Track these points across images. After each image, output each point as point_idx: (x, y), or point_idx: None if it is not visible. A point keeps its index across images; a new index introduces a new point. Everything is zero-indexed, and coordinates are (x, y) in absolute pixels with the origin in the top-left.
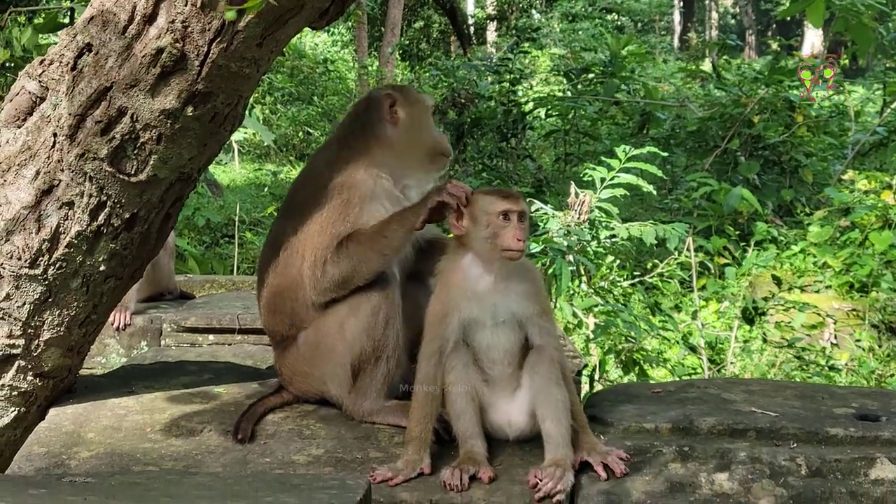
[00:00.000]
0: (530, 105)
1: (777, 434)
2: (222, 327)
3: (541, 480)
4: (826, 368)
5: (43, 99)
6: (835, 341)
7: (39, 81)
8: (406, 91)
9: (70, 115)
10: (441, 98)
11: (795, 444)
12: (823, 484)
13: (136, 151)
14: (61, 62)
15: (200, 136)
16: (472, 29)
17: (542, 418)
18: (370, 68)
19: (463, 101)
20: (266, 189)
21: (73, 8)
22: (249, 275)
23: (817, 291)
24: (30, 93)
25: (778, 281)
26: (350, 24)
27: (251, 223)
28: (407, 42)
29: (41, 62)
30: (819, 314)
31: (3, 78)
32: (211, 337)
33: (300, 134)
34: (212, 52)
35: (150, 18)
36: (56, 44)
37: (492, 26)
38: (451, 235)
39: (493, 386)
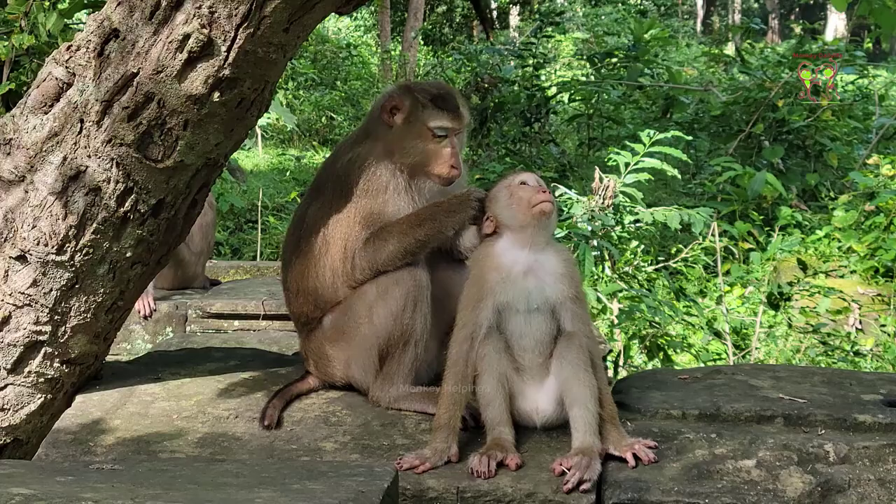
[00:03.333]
0: (553, 89)
1: (805, 420)
2: (247, 313)
3: (567, 470)
4: (851, 354)
5: (70, 85)
6: (860, 326)
7: (66, 67)
8: (416, 101)
9: (97, 101)
10: (464, 83)
11: (823, 431)
12: (851, 471)
13: (162, 137)
14: (88, 48)
15: (227, 121)
16: (494, 13)
17: (569, 405)
18: (393, 53)
19: (486, 85)
20: (289, 174)
21: None
22: (273, 260)
23: (842, 276)
24: (56, 79)
25: (803, 266)
26: (373, 8)
27: (274, 208)
28: (430, 26)
29: (68, 48)
30: (844, 299)
31: (29, 63)
32: (236, 323)
33: (323, 119)
34: (238, 37)
35: (176, 4)
36: (82, 29)
37: (515, 10)
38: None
39: (523, 374)
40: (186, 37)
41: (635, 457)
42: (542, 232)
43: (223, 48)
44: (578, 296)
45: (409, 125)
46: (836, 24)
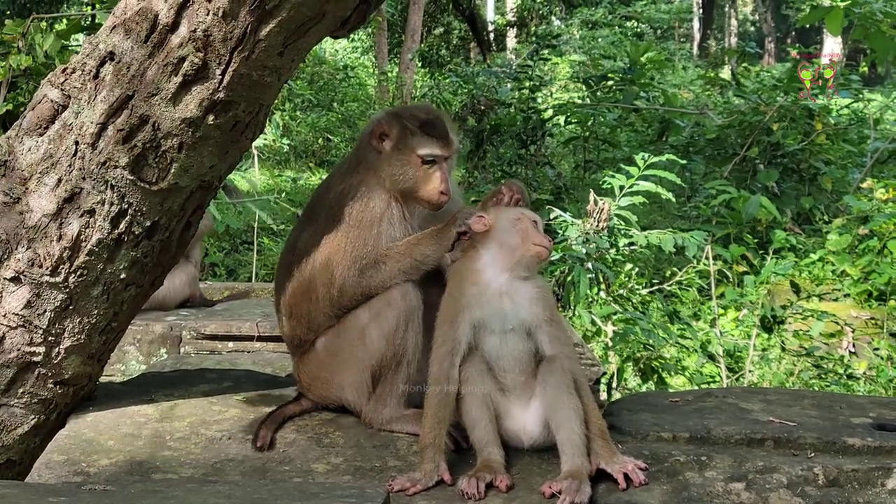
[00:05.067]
0: (550, 112)
1: (794, 444)
2: (241, 335)
3: (557, 493)
4: (844, 377)
5: (65, 107)
6: (853, 350)
7: (61, 90)
8: (404, 128)
9: (92, 123)
10: (461, 105)
11: (813, 454)
12: (840, 494)
13: (157, 160)
14: (83, 70)
15: (221, 144)
16: (491, 35)
17: (555, 428)
18: (390, 74)
19: (482, 107)
20: (285, 195)
21: (94, 14)
22: (268, 282)
23: (836, 300)
24: (52, 101)
25: (796, 289)
26: (370, 30)
27: (270, 230)
28: (427, 48)
29: (63, 70)
30: (837, 323)
31: (26, 84)
32: (230, 344)
33: (319, 140)
34: (233, 60)
35: (171, 27)
36: (79, 50)
37: (511, 33)
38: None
39: (508, 394)
40: (181, 60)
41: (626, 478)
42: (526, 268)
43: (218, 71)
44: (554, 318)
45: (398, 152)
46: (831, 48)
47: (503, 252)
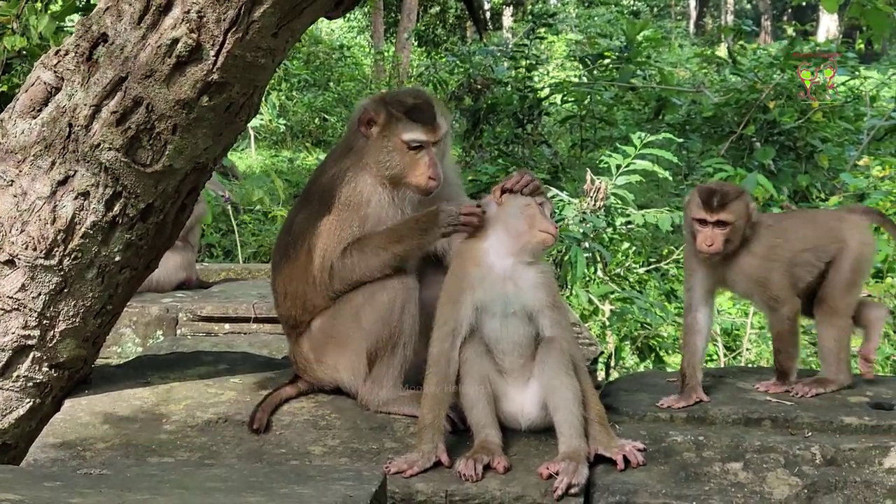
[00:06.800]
0: (546, 91)
1: (792, 423)
2: (238, 316)
3: (555, 474)
4: None
5: (58, 89)
6: None
7: (55, 72)
8: (390, 114)
9: (85, 105)
10: (457, 84)
11: (810, 433)
12: (838, 473)
13: (151, 142)
14: (77, 52)
15: (216, 125)
16: (488, 14)
17: (553, 410)
18: (386, 54)
19: (479, 86)
20: (282, 176)
21: None
22: (265, 262)
23: None
24: (45, 83)
25: None
26: (366, 9)
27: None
28: (423, 27)
29: (56, 52)
30: None
31: (21, 66)
32: (227, 326)
33: (316, 120)
34: (227, 42)
35: (165, 8)
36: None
37: (508, 11)
38: None
39: (507, 376)
40: (175, 41)
41: (625, 459)
42: (532, 254)
43: (211, 53)
44: (556, 303)
45: (384, 139)
46: (828, 26)
47: (509, 237)
